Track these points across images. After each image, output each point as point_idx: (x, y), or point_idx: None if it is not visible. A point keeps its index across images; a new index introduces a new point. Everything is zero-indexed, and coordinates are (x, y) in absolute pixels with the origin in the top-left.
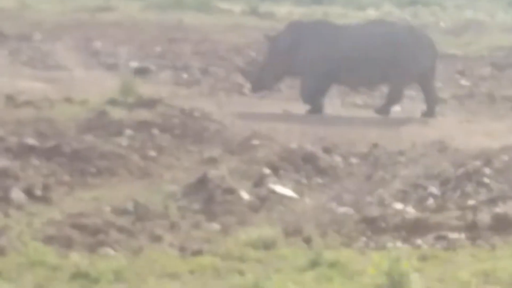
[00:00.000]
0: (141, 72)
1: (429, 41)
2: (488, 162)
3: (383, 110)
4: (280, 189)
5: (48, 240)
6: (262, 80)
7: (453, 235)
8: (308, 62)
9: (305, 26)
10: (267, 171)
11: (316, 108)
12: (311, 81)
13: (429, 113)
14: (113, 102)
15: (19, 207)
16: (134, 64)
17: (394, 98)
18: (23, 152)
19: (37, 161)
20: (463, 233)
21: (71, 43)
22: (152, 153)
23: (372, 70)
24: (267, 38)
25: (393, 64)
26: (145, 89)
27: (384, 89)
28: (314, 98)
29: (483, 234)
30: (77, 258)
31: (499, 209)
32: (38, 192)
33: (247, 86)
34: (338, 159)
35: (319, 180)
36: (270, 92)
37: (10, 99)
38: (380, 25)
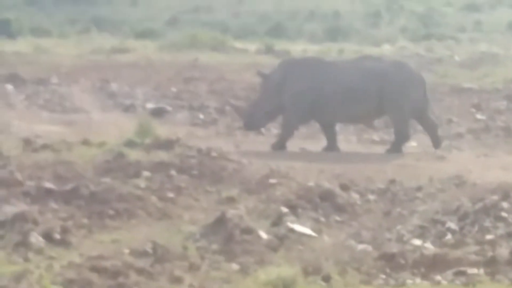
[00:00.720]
0: (158, 113)
1: (417, 75)
2: (505, 196)
3: (394, 149)
4: (298, 227)
5: (68, 283)
6: (254, 117)
7: (472, 271)
8: (293, 96)
9: (295, 62)
10: (285, 209)
11: (282, 146)
12: (293, 117)
13: (435, 145)
14: (130, 143)
15: (39, 251)
16: (150, 105)
17: (399, 135)
18: (41, 196)
19: (56, 205)
20: (482, 268)
21: (87, 85)
22: (170, 194)
23: (358, 105)
24: (260, 75)
25: (381, 99)
26: (162, 130)
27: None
28: (291, 133)
29: (502, 269)
30: None
31: None
32: (57, 236)
33: (240, 124)
34: (355, 196)
35: (337, 217)
36: (263, 129)
37: (28, 143)
38: (366, 60)
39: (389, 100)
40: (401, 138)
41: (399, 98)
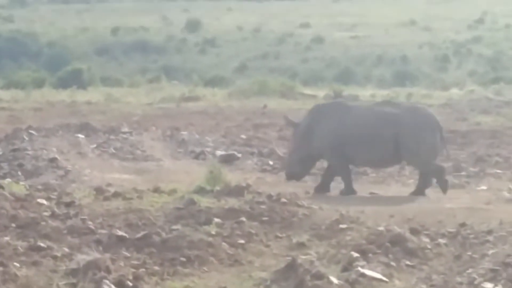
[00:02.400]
0: (228, 159)
1: (432, 120)
2: None
3: (417, 192)
4: (369, 272)
5: None
6: (291, 166)
7: None
8: (320, 141)
9: (320, 107)
10: (355, 254)
11: (350, 190)
12: (335, 159)
13: (442, 189)
14: (201, 191)
15: None
16: (220, 152)
17: (424, 180)
18: (113, 244)
19: (127, 252)
20: None
21: (158, 134)
22: (241, 241)
23: (374, 149)
24: (288, 123)
25: (397, 145)
26: (232, 176)
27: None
28: (348, 175)
29: None
30: None
31: None
32: (129, 283)
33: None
34: (426, 240)
35: (407, 262)
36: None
37: (100, 192)
38: (385, 105)
39: (404, 147)
40: (440, 174)
41: (413, 144)
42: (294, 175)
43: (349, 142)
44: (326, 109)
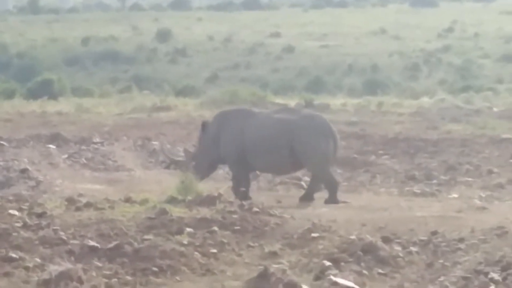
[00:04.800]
0: None
1: (327, 128)
2: None
3: (330, 200)
4: (341, 281)
5: None
6: (198, 170)
7: None
8: (224, 147)
9: (226, 114)
10: (327, 263)
11: (242, 196)
12: (232, 167)
13: (330, 200)
14: (172, 200)
15: None
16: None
17: (328, 185)
18: (85, 254)
19: (100, 263)
20: None
21: (129, 144)
22: (213, 250)
23: (271, 155)
24: (203, 125)
25: (292, 151)
26: (204, 186)
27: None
28: (240, 185)
29: None
30: None
31: None
32: None
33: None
34: (397, 248)
35: (379, 270)
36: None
37: (71, 202)
38: (283, 112)
39: (300, 153)
40: (331, 187)
41: (308, 149)
42: (199, 177)
43: (249, 149)
44: (231, 116)
